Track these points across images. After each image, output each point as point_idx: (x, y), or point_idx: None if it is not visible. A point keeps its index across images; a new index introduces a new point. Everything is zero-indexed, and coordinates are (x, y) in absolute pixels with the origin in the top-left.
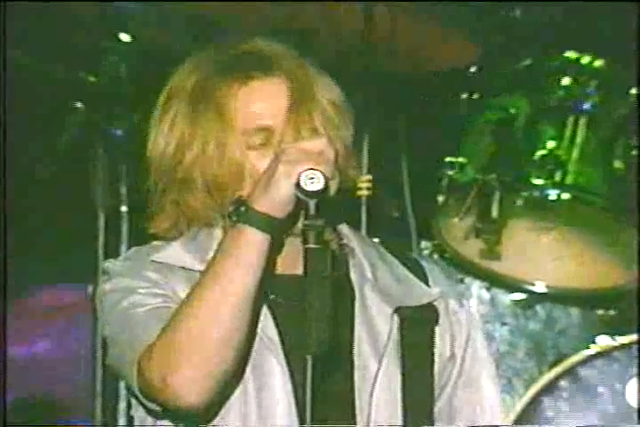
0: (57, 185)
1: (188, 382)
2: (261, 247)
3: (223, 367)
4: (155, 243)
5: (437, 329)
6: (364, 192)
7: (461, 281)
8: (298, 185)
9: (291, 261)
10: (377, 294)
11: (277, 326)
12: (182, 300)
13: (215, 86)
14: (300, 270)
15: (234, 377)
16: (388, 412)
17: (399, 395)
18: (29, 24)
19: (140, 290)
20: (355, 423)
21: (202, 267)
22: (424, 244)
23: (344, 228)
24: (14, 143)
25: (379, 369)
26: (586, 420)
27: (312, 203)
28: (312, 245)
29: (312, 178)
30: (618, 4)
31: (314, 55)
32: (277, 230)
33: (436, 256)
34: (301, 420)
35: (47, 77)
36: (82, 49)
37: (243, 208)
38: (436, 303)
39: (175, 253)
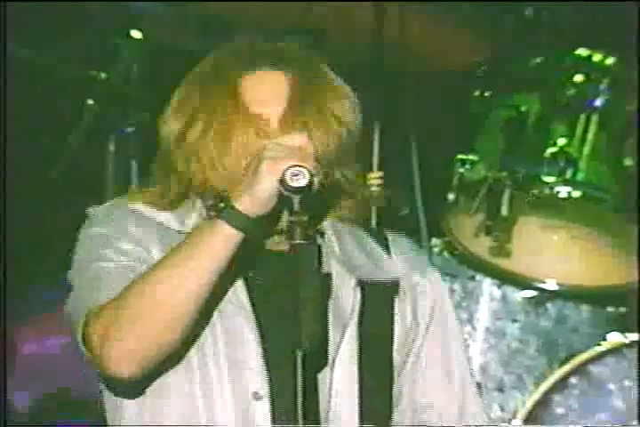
0: (68, 183)
1: (124, 355)
2: (231, 244)
3: (162, 349)
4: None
5: (399, 302)
6: (375, 189)
7: (472, 278)
8: (282, 181)
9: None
10: (342, 267)
11: (251, 297)
12: (143, 273)
13: (226, 71)
14: (284, 246)
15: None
16: (347, 388)
17: (356, 367)
18: (41, 22)
19: (115, 243)
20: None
21: (179, 227)
22: (434, 241)
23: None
24: (26, 142)
25: (341, 341)
26: (596, 417)
27: (296, 199)
28: (299, 241)
29: (297, 174)
30: (631, 1)
31: (325, 54)
32: (252, 229)
33: (446, 254)
34: (270, 380)
35: (59, 75)
36: (93, 46)
37: (222, 204)
38: (399, 276)
39: (156, 209)
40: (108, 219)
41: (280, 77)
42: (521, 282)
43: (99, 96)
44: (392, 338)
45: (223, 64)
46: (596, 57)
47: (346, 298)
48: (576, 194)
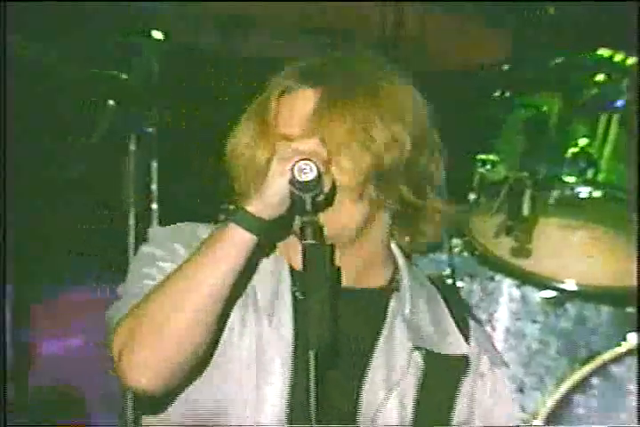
0: (88, 183)
1: (140, 365)
2: (244, 247)
3: (181, 359)
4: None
5: (460, 386)
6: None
7: (492, 279)
8: (292, 180)
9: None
10: (406, 330)
11: (295, 320)
12: (160, 282)
13: (271, 92)
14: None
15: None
16: None
17: None
18: (62, 22)
19: (160, 262)
20: None
21: None
22: (455, 241)
23: (400, 260)
24: (46, 142)
25: (386, 399)
26: (617, 417)
27: (308, 198)
28: (310, 241)
29: (304, 169)
30: None
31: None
32: (266, 232)
33: (466, 254)
34: (290, 420)
35: (79, 75)
36: (114, 47)
37: (233, 207)
38: (468, 360)
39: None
40: (159, 239)
41: (306, 98)
42: (541, 282)
43: (119, 96)
44: (451, 413)
45: (272, 82)
46: (618, 57)
47: (401, 361)
48: (597, 194)
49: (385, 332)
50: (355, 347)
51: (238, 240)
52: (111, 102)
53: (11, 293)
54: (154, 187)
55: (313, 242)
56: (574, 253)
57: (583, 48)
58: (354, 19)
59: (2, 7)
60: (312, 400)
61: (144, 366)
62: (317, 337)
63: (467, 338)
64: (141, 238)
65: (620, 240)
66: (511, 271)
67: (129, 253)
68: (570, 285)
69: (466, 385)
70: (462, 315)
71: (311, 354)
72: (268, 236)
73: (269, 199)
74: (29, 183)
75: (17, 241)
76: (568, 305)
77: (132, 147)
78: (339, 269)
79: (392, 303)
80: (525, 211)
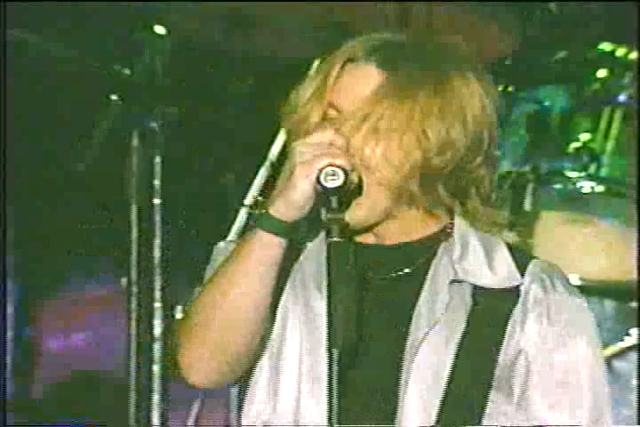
0: (91, 178)
1: (194, 360)
2: (272, 249)
3: (230, 351)
4: None
5: (509, 318)
6: None
7: None
8: (318, 181)
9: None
10: (452, 269)
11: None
12: (203, 286)
13: (337, 57)
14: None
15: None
16: (427, 385)
17: (446, 374)
18: (65, 17)
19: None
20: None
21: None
22: None
23: (457, 216)
24: (49, 136)
25: (426, 333)
26: (620, 412)
27: (334, 199)
28: (335, 239)
29: (332, 175)
30: None
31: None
32: (288, 233)
33: None
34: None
35: (82, 70)
36: (117, 41)
37: (258, 211)
38: (519, 290)
39: None
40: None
41: (363, 72)
42: None
43: (122, 91)
44: (495, 353)
45: (342, 49)
46: (620, 51)
47: (442, 295)
48: (599, 189)
49: (431, 272)
50: (401, 294)
51: (264, 243)
52: (114, 98)
53: (12, 290)
54: (157, 182)
55: (338, 240)
56: (577, 248)
57: (586, 43)
58: (360, 12)
59: (3, 3)
60: (334, 394)
61: (197, 362)
62: (343, 337)
63: (522, 272)
64: (143, 234)
65: (622, 235)
66: None
67: (132, 249)
68: (573, 279)
69: (516, 315)
70: (524, 254)
71: (334, 353)
72: (290, 236)
73: (293, 203)
74: (31, 178)
75: (17, 237)
76: None
77: (135, 142)
78: (366, 265)
79: (440, 248)
80: (527, 205)
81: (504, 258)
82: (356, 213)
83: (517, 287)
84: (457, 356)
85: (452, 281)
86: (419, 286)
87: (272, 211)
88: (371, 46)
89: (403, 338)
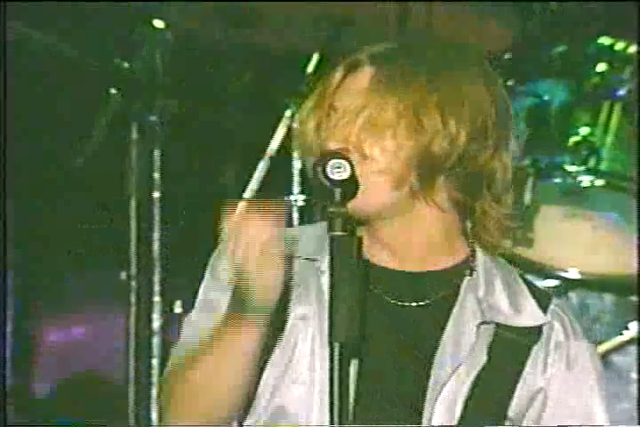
0: (91, 172)
1: (184, 423)
2: (254, 332)
3: (217, 416)
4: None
5: (529, 356)
6: None
7: None
8: (324, 173)
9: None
10: (478, 308)
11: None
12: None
13: (338, 69)
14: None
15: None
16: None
17: (460, 406)
18: (64, 11)
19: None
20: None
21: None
22: None
23: (478, 249)
24: (49, 130)
25: (452, 374)
26: (619, 406)
27: (337, 191)
28: (337, 233)
29: (338, 167)
30: None
31: (349, 44)
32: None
33: None
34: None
35: (82, 64)
36: (116, 36)
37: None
38: (542, 330)
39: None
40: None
41: (374, 73)
42: (543, 271)
43: (122, 85)
44: (513, 389)
45: (344, 61)
46: (619, 45)
47: (467, 334)
48: (599, 183)
49: (456, 309)
50: (422, 324)
51: (246, 329)
52: (114, 92)
53: (11, 284)
54: (156, 175)
55: (341, 233)
56: (577, 242)
57: (585, 37)
58: (358, 16)
59: (2, 3)
60: (335, 391)
61: (189, 420)
62: (345, 331)
63: (545, 311)
64: (143, 228)
65: (622, 229)
66: (513, 260)
67: (131, 242)
68: (572, 273)
69: (536, 355)
70: (542, 291)
71: (336, 346)
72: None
73: (263, 294)
74: (31, 177)
75: (17, 235)
76: (571, 294)
77: (135, 136)
78: (385, 289)
79: (464, 284)
80: (527, 199)
81: (525, 296)
82: (356, 200)
83: (539, 326)
84: (474, 386)
85: (481, 323)
86: (442, 319)
87: (246, 301)
88: (370, 53)
89: (424, 371)
